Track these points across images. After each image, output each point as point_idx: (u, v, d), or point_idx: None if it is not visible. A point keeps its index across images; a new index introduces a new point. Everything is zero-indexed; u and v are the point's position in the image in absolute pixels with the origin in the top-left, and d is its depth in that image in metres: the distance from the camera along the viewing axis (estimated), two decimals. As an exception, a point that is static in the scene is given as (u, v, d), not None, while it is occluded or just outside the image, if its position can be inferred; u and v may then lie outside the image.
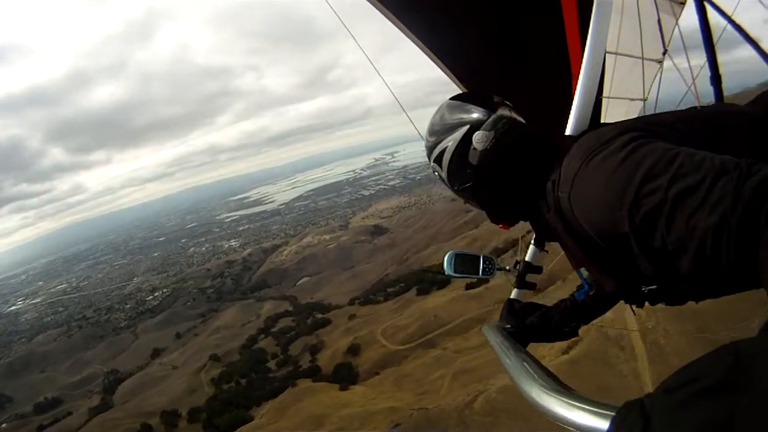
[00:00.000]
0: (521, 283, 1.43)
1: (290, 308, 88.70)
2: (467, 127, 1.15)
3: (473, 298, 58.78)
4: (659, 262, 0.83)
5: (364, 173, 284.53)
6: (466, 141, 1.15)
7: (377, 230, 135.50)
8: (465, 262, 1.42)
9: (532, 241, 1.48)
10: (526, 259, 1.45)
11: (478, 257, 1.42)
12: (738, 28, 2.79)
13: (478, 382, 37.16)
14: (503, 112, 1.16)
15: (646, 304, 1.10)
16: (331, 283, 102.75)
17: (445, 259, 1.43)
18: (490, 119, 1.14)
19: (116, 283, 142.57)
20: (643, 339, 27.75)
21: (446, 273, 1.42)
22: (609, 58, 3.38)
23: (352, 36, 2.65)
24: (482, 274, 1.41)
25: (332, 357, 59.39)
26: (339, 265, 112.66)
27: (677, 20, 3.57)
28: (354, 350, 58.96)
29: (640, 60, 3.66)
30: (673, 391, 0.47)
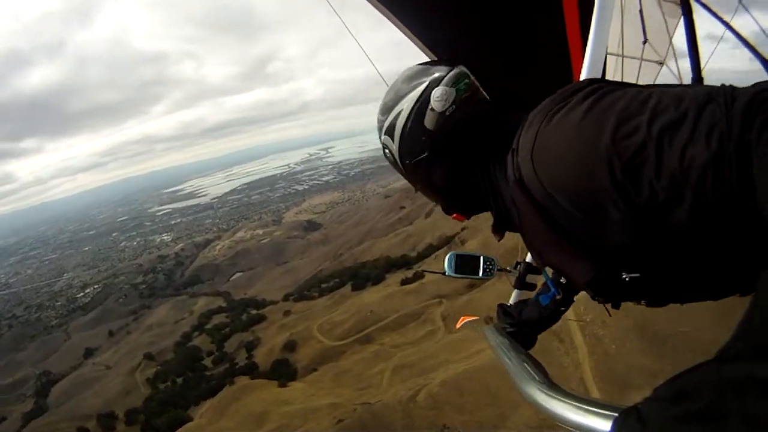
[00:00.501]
0: (521, 284, 1.42)
1: (224, 304, 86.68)
2: (425, 84, 1.01)
3: (409, 294, 58.46)
4: (647, 225, 0.68)
5: (298, 168, 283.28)
6: (423, 101, 1.00)
7: (311, 226, 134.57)
8: (465, 263, 1.40)
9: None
10: (527, 260, 1.43)
11: (479, 258, 1.40)
12: (736, 33, 2.78)
13: (418, 377, 37.55)
14: (465, 70, 1.03)
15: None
16: (265, 278, 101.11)
17: (446, 259, 1.41)
18: (451, 73, 1.00)
19: (46, 279, 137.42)
20: (582, 331, 28.89)
21: (446, 274, 1.40)
22: (610, 59, 3.28)
23: (350, 32, 2.61)
24: (482, 275, 1.39)
25: (269, 353, 58.47)
26: (272, 260, 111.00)
27: (677, 21, 3.56)
28: (291, 346, 58.01)
29: (640, 61, 3.64)
30: (667, 402, 0.49)
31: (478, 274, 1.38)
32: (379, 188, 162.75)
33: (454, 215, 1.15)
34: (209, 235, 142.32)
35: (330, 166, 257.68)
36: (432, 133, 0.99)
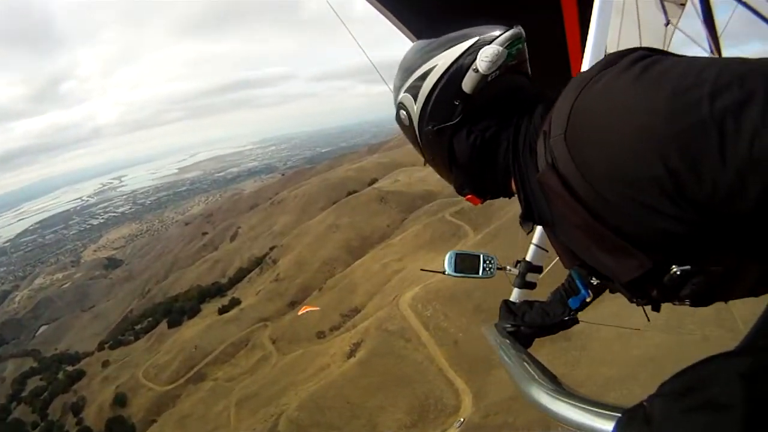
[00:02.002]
0: (521, 283, 1.41)
1: (36, 365, 77.93)
2: (473, 40, 0.87)
3: (229, 322, 56.40)
4: (704, 217, 0.58)
5: (92, 200, 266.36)
6: (465, 60, 0.86)
7: (112, 263, 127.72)
8: (465, 262, 1.38)
9: (533, 240, 1.45)
10: (527, 258, 1.43)
11: (479, 256, 1.39)
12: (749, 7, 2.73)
13: (267, 406, 36.09)
14: (522, 32, 0.89)
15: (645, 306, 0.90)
16: (73, 328, 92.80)
17: (446, 258, 1.39)
18: (508, 33, 0.87)
19: None
20: (426, 327, 30.02)
21: (446, 273, 1.38)
22: None
23: (352, 35, 2.58)
24: (482, 274, 1.37)
25: (99, 412, 53.25)
26: (77, 306, 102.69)
27: (677, 21, 3.60)
28: (121, 400, 52.79)
29: None
30: (673, 397, 0.49)
31: (478, 273, 1.37)
32: (177, 215, 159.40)
33: (468, 196, 1.02)
34: (6, 286, 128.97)
35: (125, 196, 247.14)
36: (468, 97, 0.87)
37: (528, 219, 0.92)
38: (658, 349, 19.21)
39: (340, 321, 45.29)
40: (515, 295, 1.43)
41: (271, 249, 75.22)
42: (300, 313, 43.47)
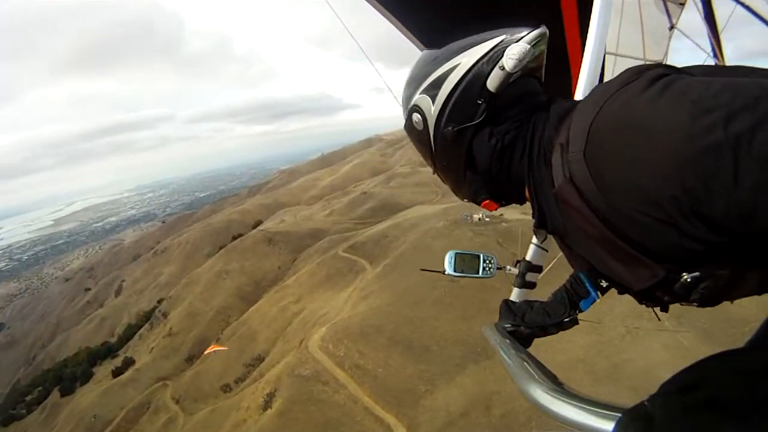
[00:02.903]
0: (521, 283, 1.41)
1: None
2: (500, 38, 0.86)
3: (126, 385, 51.35)
4: (718, 233, 0.61)
5: None
6: (491, 58, 0.85)
7: None
8: (465, 262, 1.38)
9: (533, 240, 1.45)
10: (527, 258, 1.43)
11: (479, 256, 1.38)
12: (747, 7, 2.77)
13: None
14: (547, 32, 0.88)
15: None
16: None
17: (446, 258, 1.38)
18: (535, 32, 0.86)
19: None
20: (341, 367, 28.28)
21: (446, 272, 1.38)
22: (609, 60, 3.35)
23: (353, 37, 2.56)
24: (482, 273, 1.36)
25: None
26: None
27: (677, 21, 3.60)
28: None
29: (642, 62, 3.62)
30: (674, 395, 0.49)
31: (478, 273, 1.36)
32: (57, 271, 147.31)
33: (485, 202, 1.00)
34: None
35: (0, 251, 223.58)
36: (492, 97, 0.85)
37: (541, 227, 0.92)
38: (586, 349, 19.08)
39: (244, 371, 41.98)
40: (515, 294, 1.43)
41: (160, 302, 69.89)
42: (207, 352, 40.79)
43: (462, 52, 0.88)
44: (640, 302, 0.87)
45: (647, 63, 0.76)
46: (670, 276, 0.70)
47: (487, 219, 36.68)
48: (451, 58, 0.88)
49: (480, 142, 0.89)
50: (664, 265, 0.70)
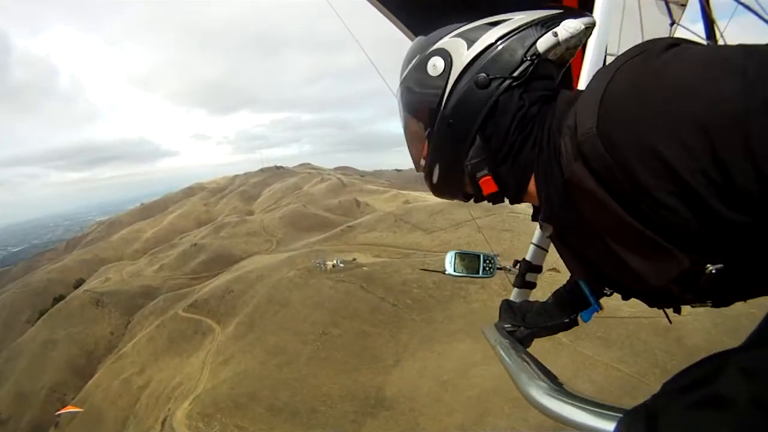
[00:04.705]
0: (521, 283, 1.41)
1: None
2: (559, 11, 0.82)
3: None
4: (748, 211, 0.53)
5: None
6: (546, 24, 0.81)
7: None
8: (465, 262, 1.38)
9: (533, 240, 1.45)
10: (527, 258, 1.43)
11: (479, 256, 1.39)
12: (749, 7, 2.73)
13: None
14: (594, 23, 0.84)
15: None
16: None
17: (446, 258, 1.39)
18: (588, 17, 0.83)
19: None
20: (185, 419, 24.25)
21: (446, 272, 1.37)
22: (609, 61, 3.35)
23: (355, 39, 2.56)
24: (483, 273, 1.37)
25: None
26: None
27: (677, 22, 3.52)
28: None
29: None
30: (676, 394, 0.49)
31: (478, 273, 1.37)
32: None
33: (484, 178, 0.85)
34: None
35: None
36: (538, 59, 0.79)
37: (549, 220, 0.82)
38: (496, 379, 17.50)
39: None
40: (515, 295, 1.43)
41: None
42: (59, 413, 35.28)
43: (515, 15, 0.82)
44: (651, 304, 0.80)
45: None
46: (694, 267, 0.62)
47: (342, 265, 33.32)
48: (503, 15, 0.83)
49: (507, 102, 0.79)
50: (688, 255, 0.61)
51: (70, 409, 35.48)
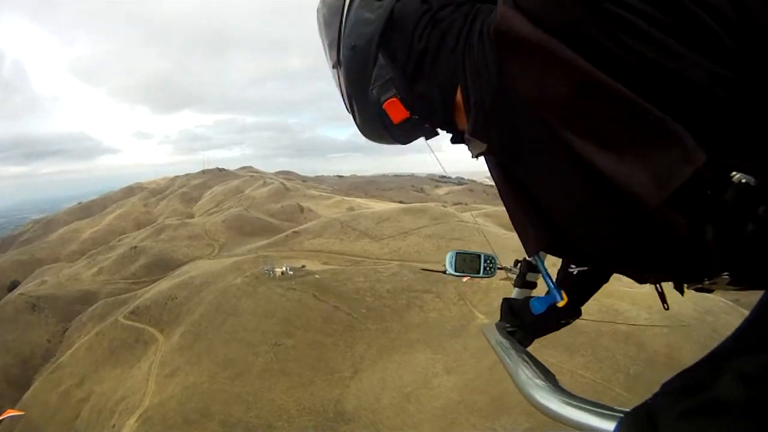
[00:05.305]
0: (522, 282, 1.41)
1: None
2: None
3: None
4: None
5: None
6: None
7: None
8: (466, 262, 1.38)
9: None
10: (527, 257, 1.44)
11: (480, 256, 1.38)
12: None
13: None
14: None
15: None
16: None
17: (447, 258, 1.38)
18: None
19: None
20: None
21: (447, 272, 1.37)
22: None
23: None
24: (483, 273, 1.37)
25: None
26: None
27: None
28: None
29: None
30: (676, 396, 0.47)
31: (479, 273, 1.37)
32: None
33: (390, 100, 0.67)
34: None
35: None
36: None
37: (479, 131, 0.61)
38: (459, 390, 17.12)
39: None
40: (515, 294, 1.43)
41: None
42: (1, 417, 30.81)
43: None
44: (641, 276, 0.60)
45: None
46: (711, 169, 0.39)
47: (291, 272, 31.54)
48: None
49: (407, 4, 0.64)
50: (699, 144, 0.39)
51: (11, 413, 31.61)
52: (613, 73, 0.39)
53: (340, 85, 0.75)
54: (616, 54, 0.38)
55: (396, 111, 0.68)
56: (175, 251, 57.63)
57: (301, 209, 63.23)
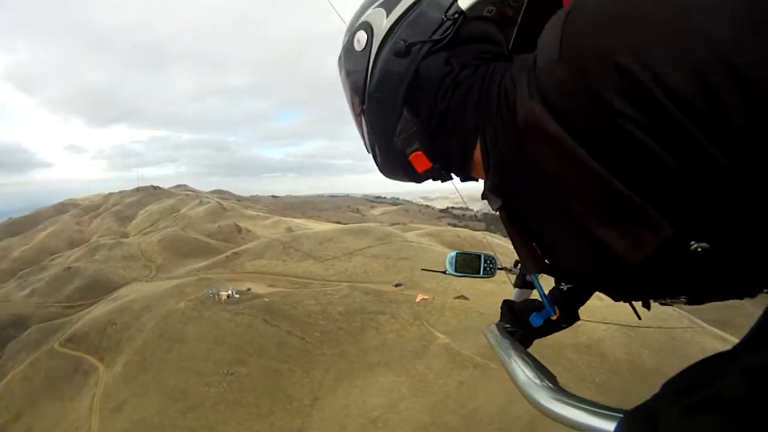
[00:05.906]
0: (522, 283, 1.42)
1: None
2: None
3: None
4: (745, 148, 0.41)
5: None
6: None
7: None
8: (466, 262, 1.38)
9: None
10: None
11: (480, 256, 1.39)
12: None
13: None
14: None
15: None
16: None
17: (447, 258, 1.38)
18: None
19: None
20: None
21: (447, 272, 1.37)
22: None
23: (336, 12, 2.51)
24: (483, 273, 1.37)
25: None
26: None
27: None
28: None
29: None
30: (677, 395, 0.47)
31: (479, 273, 1.37)
32: None
33: (415, 154, 0.74)
34: None
35: None
36: (461, 17, 0.70)
37: (496, 190, 0.69)
38: (428, 412, 15.52)
39: None
40: (516, 295, 1.45)
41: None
42: None
43: None
44: (617, 295, 0.72)
45: None
46: (676, 241, 0.50)
47: (237, 295, 32.02)
48: None
49: (431, 66, 0.70)
50: (670, 223, 0.49)
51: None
52: (609, 166, 0.48)
53: (363, 133, 0.83)
54: (614, 154, 0.48)
55: (420, 162, 0.75)
56: (111, 272, 53.42)
57: (239, 229, 60.69)
